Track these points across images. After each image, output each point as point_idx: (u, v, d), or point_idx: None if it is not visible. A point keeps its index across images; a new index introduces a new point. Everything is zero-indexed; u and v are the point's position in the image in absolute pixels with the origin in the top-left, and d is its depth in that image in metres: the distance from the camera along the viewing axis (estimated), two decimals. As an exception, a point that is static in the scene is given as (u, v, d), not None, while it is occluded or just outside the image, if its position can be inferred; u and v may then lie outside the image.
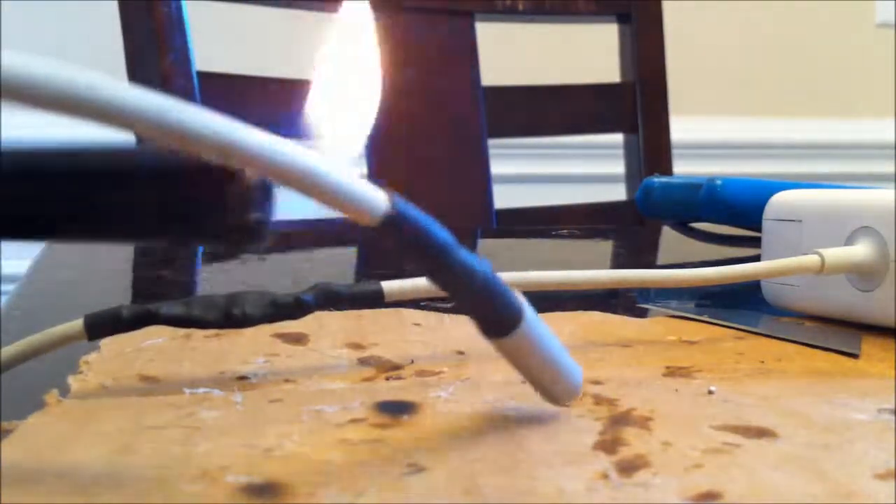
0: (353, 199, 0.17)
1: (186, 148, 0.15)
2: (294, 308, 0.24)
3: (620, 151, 0.90)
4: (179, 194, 0.17)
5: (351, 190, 0.17)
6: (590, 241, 0.65)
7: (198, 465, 0.17)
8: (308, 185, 0.16)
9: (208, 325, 0.24)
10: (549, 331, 0.20)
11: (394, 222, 0.17)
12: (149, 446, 0.19)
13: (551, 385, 0.21)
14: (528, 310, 0.20)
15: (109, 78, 0.14)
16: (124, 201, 0.16)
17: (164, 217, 0.17)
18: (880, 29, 1.70)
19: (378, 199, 0.17)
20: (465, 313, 0.19)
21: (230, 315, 0.24)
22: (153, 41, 0.69)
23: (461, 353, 0.27)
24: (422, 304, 0.32)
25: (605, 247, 0.64)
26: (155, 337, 0.27)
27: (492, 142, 0.84)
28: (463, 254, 0.18)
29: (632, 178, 0.88)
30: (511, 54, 1.23)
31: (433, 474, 0.17)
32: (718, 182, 0.49)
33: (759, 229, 0.34)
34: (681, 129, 0.95)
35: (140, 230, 0.17)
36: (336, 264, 0.53)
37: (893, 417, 0.21)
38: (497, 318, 0.19)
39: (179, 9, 0.70)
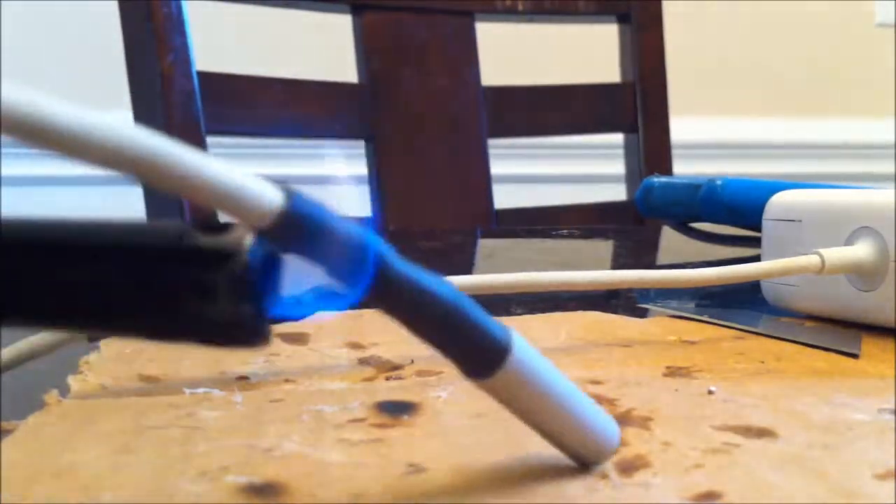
0: (234, 195, 0.13)
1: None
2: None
3: (620, 151, 0.90)
4: (152, 279, 0.13)
5: (230, 183, 0.13)
6: (590, 241, 0.65)
7: (198, 465, 0.17)
8: (174, 179, 0.13)
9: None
10: (553, 368, 0.16)
11: (289, 223, 0.13)
12: (149, 446, 0.19)
13: (566, 439, 0.16)
14: (517, 341, 0.15)
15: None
16: (83, 281, 0.13)
17: (134, 308, 0.13)
18: (880, 29, 1.70)
19: (269, 194, 0.13)
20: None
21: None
22: (153, 41, 0.69)
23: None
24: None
25: (605, 247, 0.64)
26: (155, 337, 0.27)
27: (492, 142, 0.84)
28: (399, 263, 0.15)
29: (632, 178, 0.88)
30: (511, 54, 1.23)
31: (433, 474, 0.17)
32: (718, 182, 0.49)
33: (759, 229, 0.34)
34: (681, 129, 0.95)
35: (101, 320, 0.14)
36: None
37: (893, 417, 0.21)
38: (478, 353, 0.15)
39: (179, 9, 0.70)
